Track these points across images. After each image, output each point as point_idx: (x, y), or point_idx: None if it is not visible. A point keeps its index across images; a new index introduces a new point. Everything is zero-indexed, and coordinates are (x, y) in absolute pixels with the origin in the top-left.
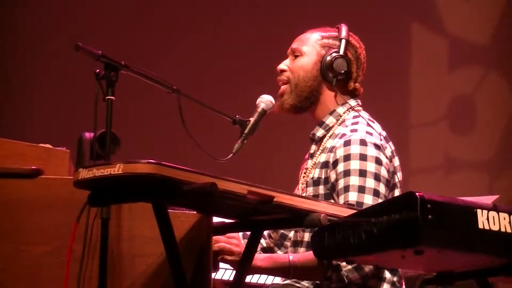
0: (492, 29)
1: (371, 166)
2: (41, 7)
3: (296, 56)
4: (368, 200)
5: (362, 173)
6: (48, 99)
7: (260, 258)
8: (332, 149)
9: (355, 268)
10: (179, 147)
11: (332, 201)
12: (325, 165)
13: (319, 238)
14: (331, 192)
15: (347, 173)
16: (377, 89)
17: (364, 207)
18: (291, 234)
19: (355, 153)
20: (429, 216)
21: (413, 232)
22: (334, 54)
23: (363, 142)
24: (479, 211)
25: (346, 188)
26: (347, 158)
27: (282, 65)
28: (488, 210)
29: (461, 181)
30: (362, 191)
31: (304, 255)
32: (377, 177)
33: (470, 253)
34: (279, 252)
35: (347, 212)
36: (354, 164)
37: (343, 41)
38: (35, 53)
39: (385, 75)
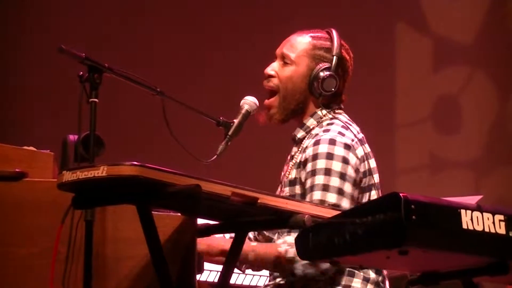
0: (477, 28)
1: (336, 165)
2: (25, 8)
3: (285, 63)
4: (332, 198)
5: (327, 172)
6: (32, 101)
7: (225, 240)
8: (305, 149)
9: (310, 264)
10: (164, 149)
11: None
12: (299, 165)
13: (304, 239)
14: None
15: (314, 172)
16: (362, 89)
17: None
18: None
19: (322, 152)
20: (413, 217)
21: (397, 233)
22: (325, 73)
23: (332, 142)
24: (463, 211)
25: (312, 188)
26: (315, 157)
27: (271, 70)
28: (472, 210)
29: (447, 180)
30: (326, 190)
31: (267, 245)
32: (342, 176)
33: (454, 253)
34: None
35: (331, 213)
36: (321, 163)
37: (335, 58)
38: (19, 56)
39: (370, 75)
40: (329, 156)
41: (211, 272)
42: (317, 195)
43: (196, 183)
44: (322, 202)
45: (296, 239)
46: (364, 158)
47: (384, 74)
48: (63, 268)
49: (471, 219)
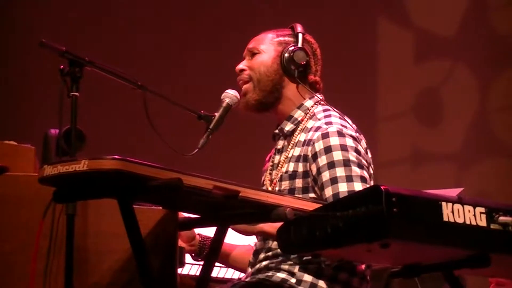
0: (459, 22)
1: (352, 155)
2: (4, 3)
3: (253, 55)
4: (358, 187)
5: (346, 163)
6: (12, 96)
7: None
8: (308, 142)
9: None
10: (145, 143)
11: (312, 194)
12: (302, 158)
13: (285, 232)
14: (310, 186)
15: (331, 165)
16: (344, 82)
17: None
18: None
19: (336, 144)
20: (394, 209)
21: (378, 226)
22: (292, 48)
23: (340, 134)
24: (444, 203)
25: (334, 180)
26: (328, 150)
27: (241, 65)
28: (453, 202)
29: (428, 173)
30: (350, 180)
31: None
32: (360, 166)
33: (435, 245)
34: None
35: (313, 206)
36: (337, 155)
37: (300, 35)
38: None
39: (352, 68)
40: (344, 148)
41: (192, 265)
42: (343, 186)
43: (177, 177)
44: (350, 193)
45: (278, 233)
46: (366, 150)
47: (366, 67)
48: (44, 262)
49: (452, 212)
